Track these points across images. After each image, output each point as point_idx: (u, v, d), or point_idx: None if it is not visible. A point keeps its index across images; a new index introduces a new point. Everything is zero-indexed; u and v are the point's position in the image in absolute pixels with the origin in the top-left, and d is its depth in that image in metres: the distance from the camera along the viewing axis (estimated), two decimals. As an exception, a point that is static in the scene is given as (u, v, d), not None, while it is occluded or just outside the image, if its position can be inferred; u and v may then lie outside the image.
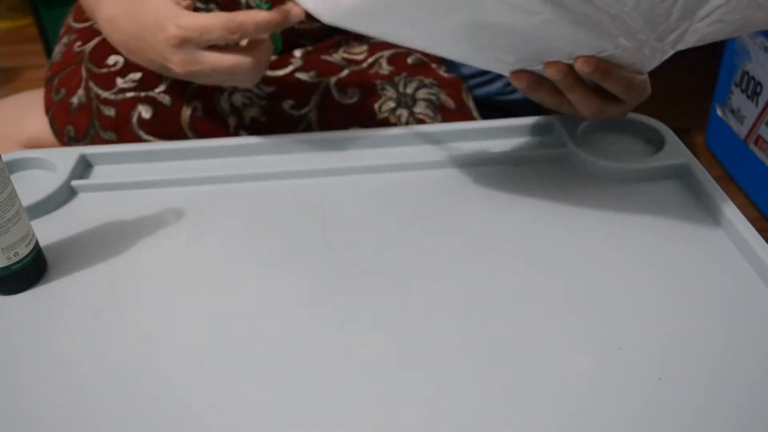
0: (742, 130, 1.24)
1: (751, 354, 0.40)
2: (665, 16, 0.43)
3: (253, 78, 0.53)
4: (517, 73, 0.50)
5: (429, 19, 0.45)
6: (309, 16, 0.63)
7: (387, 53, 0.66)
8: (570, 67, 0.47)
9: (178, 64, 0.51)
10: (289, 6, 0.50)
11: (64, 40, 0.71)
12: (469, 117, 0.66)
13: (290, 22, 0.51)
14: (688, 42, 0.46)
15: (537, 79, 0.50)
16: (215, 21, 0.48)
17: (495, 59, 0.49)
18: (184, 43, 0.49)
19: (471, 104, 0.67)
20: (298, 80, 0.63)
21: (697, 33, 0.44)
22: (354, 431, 0.37)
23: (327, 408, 0.38)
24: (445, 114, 0.64)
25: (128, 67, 0.63)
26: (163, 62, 0.52)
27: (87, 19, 0.70)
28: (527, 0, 0.41)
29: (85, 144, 0.65)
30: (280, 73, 0.63)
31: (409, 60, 0.66)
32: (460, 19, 0.44)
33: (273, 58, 0.64)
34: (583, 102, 0.49)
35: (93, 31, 0.68)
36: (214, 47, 0.50)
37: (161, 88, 0.62)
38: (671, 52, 0.47)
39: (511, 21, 0.43)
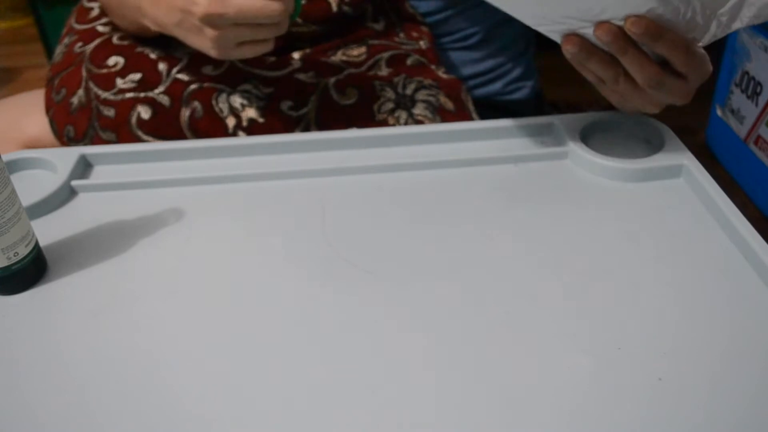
0: (742, 130, 1.24)
1: (751, 354, 0.40)
2: None
3: (281, 27, 0.52)
4: (568, 36, 0.49)
5: None
6: (307, 19, 0.63)
7: (386, 55, 0.66)
8: (621, 30, 0.46)
9: (203, 3, 0.50)
10: None
11: (66, 40, 0.71)
12: (468, 118, 0.66)
13: None
14: (745, 18, 0.44)
15: (589, 45, 0.49)
16: None
17: (549, 19, 0.48)
18: None
19: (470, 105, 0.67)
20: (297, 81, 0.63)
21: (753, 6, 0.43)
22: (354, 430, 0.37)
23: (326, 407, 0.38)
24: (444, 115, 0.64)
25: (128, 67, 0.63)
26: (187, 6, 0.51)
27: (89, 21, 0.70)
28: None
29: (85, 144, 0.65)
30: (279, 74, 0.63)
31: (408, 61, 0.66)
32: None
33: (272, 59, 0.64)
34: (638, 68, 0.48)
35: (94, 33, 0.68)
36: None
37: (160, 88, 0.62)
38: (730, 29, 0.46)
39: None
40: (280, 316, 0.43)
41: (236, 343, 0.42)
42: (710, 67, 0.50)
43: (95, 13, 0.71)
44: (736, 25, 0.46)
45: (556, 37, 0.50)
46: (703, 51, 0.49)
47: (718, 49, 1.28)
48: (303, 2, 0.53)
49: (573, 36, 0.49)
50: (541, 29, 0.50)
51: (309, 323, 0.43)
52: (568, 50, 0.49)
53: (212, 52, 0.54)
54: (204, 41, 0.53)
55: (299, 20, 0.62)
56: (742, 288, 0.44)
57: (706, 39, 0.48)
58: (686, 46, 0.47)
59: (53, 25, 1.47)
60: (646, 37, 0.46)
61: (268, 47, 0.54)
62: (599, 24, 0.47)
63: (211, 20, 0.51)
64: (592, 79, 0.52)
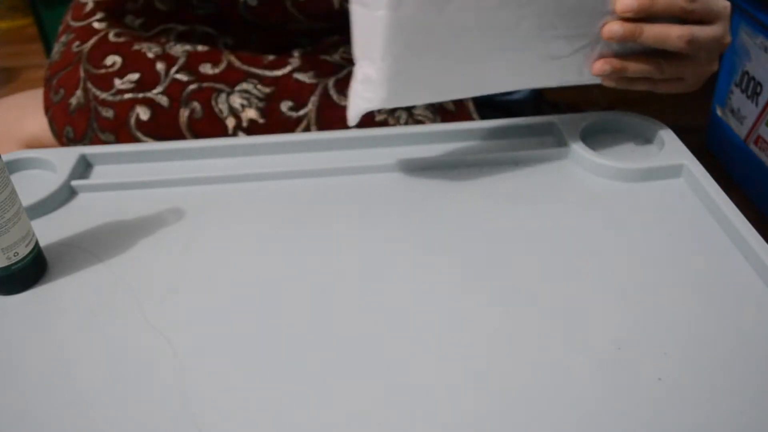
0: (742, 130, 1.24)
1: (751, 354, 0.40)
2: None
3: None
4: (595, 63, 0.51)
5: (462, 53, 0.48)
6: (308, 15, 0.63)
7: None
8: (619, 23, 0.48)
9: None
10: None
11: (63, 39, 0.71)
12: (468, 118, 0.66)
13: None
14: None
15: (617, 56, 0.50)
16: None
17: (548, 56, 0.50)
18: None
19: (470, 106, 0.67)
20: (297, 81, 0.63)
21: None
22: (352, 429, 0.37)
23: (326, 407, 0.38)
24: (444, 115, 0.64)
25: (126, 67, 0.63)
26: None
27: (85, 17, 0.70)
28: None
29: (84, 145, 0.65)
30: (279, 73, 0.63)
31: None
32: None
33: (271, 57, 0.64)
34: (662, 38, 0.48)
35: (91, 30, 0.68)
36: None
37: (159, 89, 0.62)
38: None
39: None
40: (280, 316, 0.43)
41: (236, 342, 0.42)
42: (726, 2, 0.50)
43: (90, 8, 0.70)
44: None
45: (574, 76, 0.52)
46: None
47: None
48: None
49: (598, 61, 0.51)
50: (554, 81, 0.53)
51: (310, 323, 0.43)
52: (605, 71, 0.51)
53: None
54: None
55: (301, 17, 0.62)
56: (742, 288, 0.44)
57: None
58: None
59: (53, 25, 1.47)
60: (641, 12, 0.47)
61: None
62: (594, 59, 0.50)
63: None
64: (646, 87, 0.53)
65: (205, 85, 0.62)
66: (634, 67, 0.51)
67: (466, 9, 0.46)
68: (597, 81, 0.52)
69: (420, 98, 0.52)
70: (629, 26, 0.48)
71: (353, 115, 0.51)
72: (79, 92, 0.65)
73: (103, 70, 0.64)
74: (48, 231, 0.50)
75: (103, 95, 0.63)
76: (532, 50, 0.50)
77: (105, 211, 0.52)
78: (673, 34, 0.49)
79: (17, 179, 0.56)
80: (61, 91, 0.66)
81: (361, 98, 0.49)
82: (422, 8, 0.45)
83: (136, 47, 0.64)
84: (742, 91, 1.22)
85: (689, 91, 0.55)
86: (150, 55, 0.64)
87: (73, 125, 0.65)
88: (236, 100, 0.62)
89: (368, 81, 0.48)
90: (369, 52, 0.47)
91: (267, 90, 0.63)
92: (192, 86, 0.62)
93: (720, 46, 0.51)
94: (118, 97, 0.62)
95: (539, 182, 0.54)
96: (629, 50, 0.51)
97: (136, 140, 0.62)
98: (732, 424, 0.36)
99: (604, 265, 0.46)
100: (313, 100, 0.62)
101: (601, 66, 0.51)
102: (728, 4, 0.51)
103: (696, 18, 0.49)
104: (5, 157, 0.56)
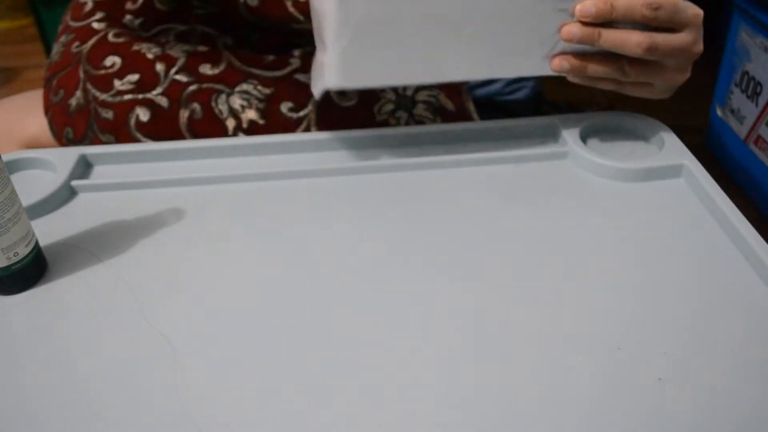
0: (742, 130, 1.24)
1: (751, 354, 0.40)
2: None
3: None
4: (553, 59, 0.50)
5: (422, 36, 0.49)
6: (309, 16, 0.63)
7: None
8: (578, 25, 0.48)
9: None
10: None
11: (62, 39, 0.71)
12: (468, 119, 0.66)
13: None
14: None
15: (576, 54, 0.50)
16: None
17: (515, 53, 0.51)
18: None
19: (471, 106, 0.67)
20: (297, 82, 0.63)
21: None
22: (351, 429, 0.37)
23: (325, 407, 0.38)
24: (444, 116, 0.64)
25: (126, 68, 0.63)
26: None
27: (84, 17, 0.70)
28: None
29: (84, 146, 0.64)
30: (279, 74, 0.63)
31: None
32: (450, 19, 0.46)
33: (272, 58, 0.64)
34: (621, 42, 0.48)
35: (90, 30, 0.68)
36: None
37: (159, 90, 0.62)
38: None
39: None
40: (280, 316, 0.43)
41: (236, 342, 0.42)
42: (696, 10, 0.50)
43: (89, 7, 0.70)
44: None
45: (534, 67, 0.52)
46: None
47: (718, 49, 1.28)
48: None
49: (557, 57, 0.51)
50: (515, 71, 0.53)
51: (309, 323, 0.43)
52: (563, 68, 0.51)
53: None
54: None
55: (301, 17, 0.62)
56: (742, 288, 0.44)
57: None
58: (646, 2, 0.47)
59: (53, 25, 1.47)
60: (600, 18, 0.47)
61: None
62: (554, 55, 0.50)
63: None
64: (612, 87, 0.53)
65: (204, 86, 0.62)
66: (594, 68, 0.50)
67: (416, 5, 0.47)
68: (558, 75, 0.53)
69: (375, 82, 0.53)
70: (587, 30, 0.48)
71: (315, 91, 0.53)
72: (78, 93, 0.65)
73: (102, 71, 0.64)
74: (48, 231, 0.50)
75: (103, 96, 0.63)
76: (488, 44, 0.50)
77: (105, 211, 0.52)
78: (632, 40, 0.48)
79: (17, 179, 0.56)
80: (61, 91, 0.66)
81: (320, 77, 0.51)
82: (372, 3, 0.47)
83: (135, 47, 0.64)
84: (742, 91, 1.22)
85: (661, 98, 0.55)
86: (149, 55, 0.64)
87: (72, 126, 0.65)
88: (236, 101, 0.62)
89: (323, 64, 0.50)
90: (323, 37, 0.49)
91: (267, 91, 0.63)
92: (192, 87, 0.62)
93: (689, 54, 0.51)
94: (118, 98, 0.62)
95: (539, 182, 0.54)
96: (591, 49, 0.51)
97: (136, 141, 0.62)
98: (732, 424, 0.36)
99: (604, 265, 0.46)
100: (313, 100, 0.62)
101: (560, 62, 0.50)
102: (700, 12, 0.50)
103: (659, 25, 0.49)
104: (5, 157, 0.56)
